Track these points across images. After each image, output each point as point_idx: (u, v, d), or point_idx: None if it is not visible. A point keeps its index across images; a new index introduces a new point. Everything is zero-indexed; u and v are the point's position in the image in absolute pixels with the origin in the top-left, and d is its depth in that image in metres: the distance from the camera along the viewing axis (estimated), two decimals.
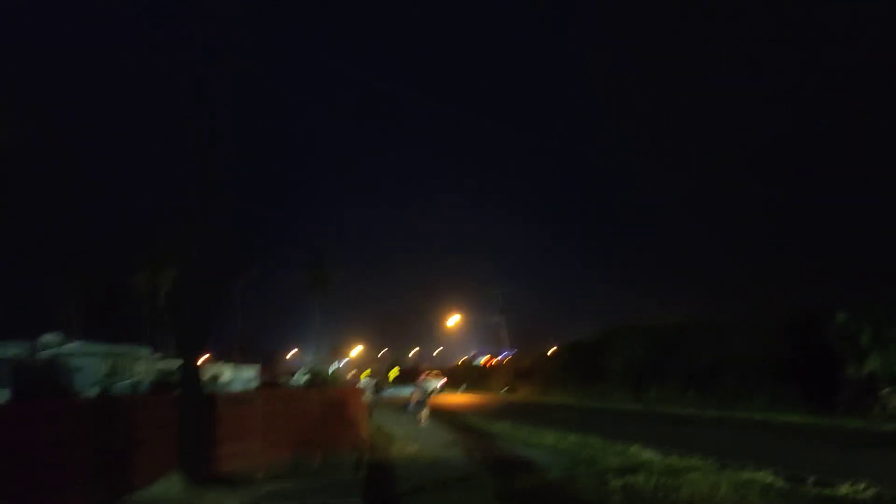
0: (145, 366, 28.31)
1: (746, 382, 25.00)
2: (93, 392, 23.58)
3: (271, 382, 49.56)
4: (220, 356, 55.13)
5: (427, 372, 51.28)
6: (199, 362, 9.03)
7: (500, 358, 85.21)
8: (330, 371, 58.30)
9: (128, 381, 27.14)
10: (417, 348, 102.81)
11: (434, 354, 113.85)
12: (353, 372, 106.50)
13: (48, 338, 26.14)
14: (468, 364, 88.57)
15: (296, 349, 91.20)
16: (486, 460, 10.94)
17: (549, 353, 51.84)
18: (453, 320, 52.04)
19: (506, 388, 49.51)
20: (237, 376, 49.61)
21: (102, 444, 7.53)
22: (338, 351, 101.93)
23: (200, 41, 9.86)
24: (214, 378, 45.93)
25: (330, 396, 10.95)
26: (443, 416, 23.91)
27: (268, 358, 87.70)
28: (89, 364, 24.62)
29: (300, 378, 46.85)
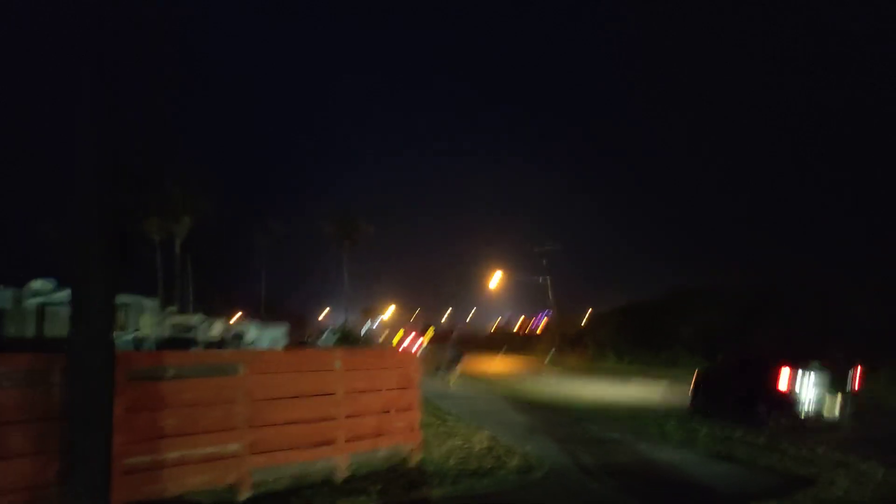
0: (152, 319, 24.79)
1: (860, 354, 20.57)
2: None
3: (299, 342, 46.64)
4: (249, 315, 52.46)
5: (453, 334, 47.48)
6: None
7: (537, 320, 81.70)
8: (363, 332, 55.10)
9: (130, 335, 23.55)
10: (451, 309, 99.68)
11: (468, 319, 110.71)
12: (387, 333, 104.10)
13: (38, 284, 22.68)
14: (502, 328, 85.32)
15: (328, 309, 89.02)
16: (609, 472, 6.90)
17: (600, 315, 47.80)
18: (495, 279, 47.90)
19: (552, 354, 45.64)
20: (263, 335, 46.72)
21: None
22: (370, 311, 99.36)
23: None
24: (239, 336, 43.00)
25: (365, 361, 6.84)
26: (493, 386, 20.04)
27: (299, 318, 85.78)
28: None
29: (330, 338, 43.53)
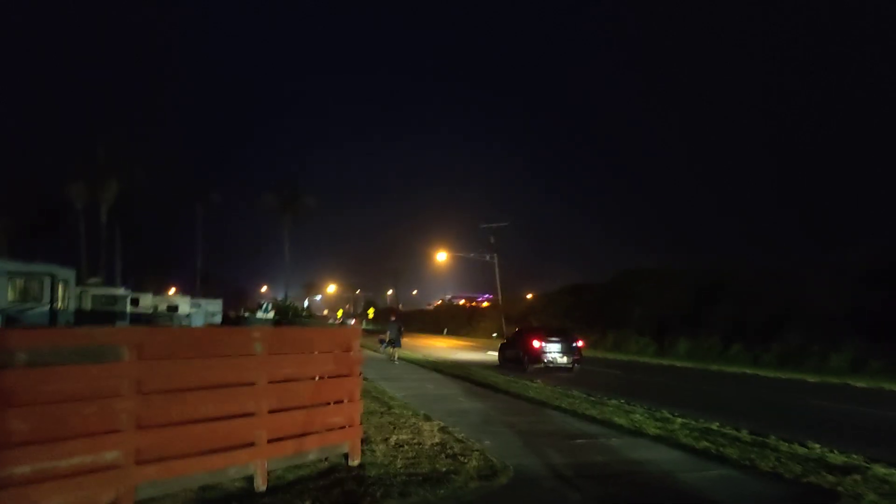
0: (70, 291, 22.65)
1: (818, 339, 20.51)
2: None
3: (234, 318, 44.56)
4: (185, 290, 49.91)
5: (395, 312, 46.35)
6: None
7: (479, 300, 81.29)
8: (303, 307, 53.26)
9: (44, 307, 21.43)
10: (392, 291, 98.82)
11: (412, 294, 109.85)
12: (326, 311, 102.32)
13: None
14: (445, 306, 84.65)
15: (266, 286, 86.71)
16: (587, 474, 5.89)
17: (547, 295, 47.40)
18: (441, 257, 46.93)
19: (496, 334, 45.09)
20: (198, 310, 44.48)
21: None
22: (311, 288, 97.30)
23: None
24: (171, 309, 40.75)
25: (294, 342, 5.60)
26: (439, 366, 19.13)
27: (238, 293, 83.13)
28: None
29: (266, 313, 41.65)
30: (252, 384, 4.94)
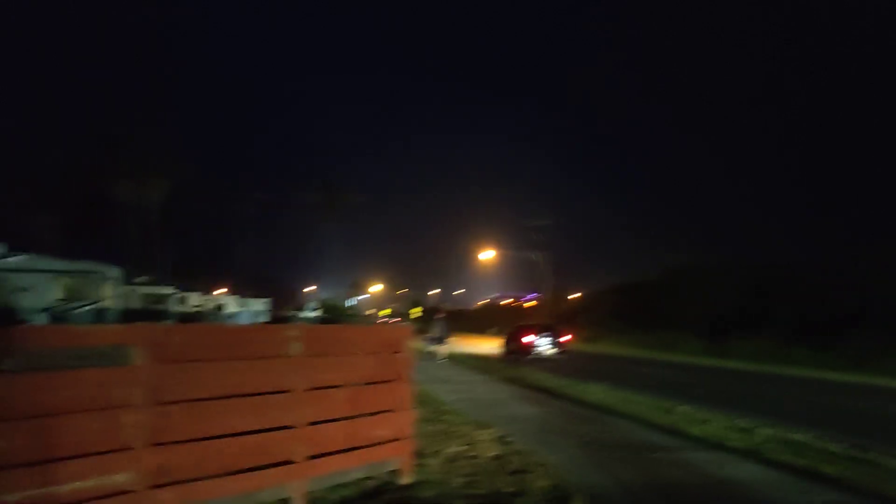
0: (116, 289, 22.67)
1: (889, 341, 18.94)
2: (40, 320, 18.30)
3: (279, 317, 44.57)
4: (233, 289, 50.29)
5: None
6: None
7: (525, 300, 79.94)
8: (350, 304, 53.07)
9: (91, 305, 21.49)
10: (438, 290, 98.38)
11: (458, 294, 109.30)
12: (373, 310, 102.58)
13: None
14: (491, 306, 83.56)
15: (314, 286, 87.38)
16: (672, 499, 5.04)
17: (594, 294, 46.02)
18: (487, 255, 46.03)
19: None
20: (245, 309, 44.63)
21: None
22: (357, 287, 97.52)
23: None
24: (218, 308, 40.91)
25: (336, 342, 4.89)
26: (488, 367, 18.33)
27: (288, 293, 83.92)
28: (37, 283, 18.97)
29: (312, 312, 41.46)
30: (288, 391, 4.25)
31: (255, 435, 4.03)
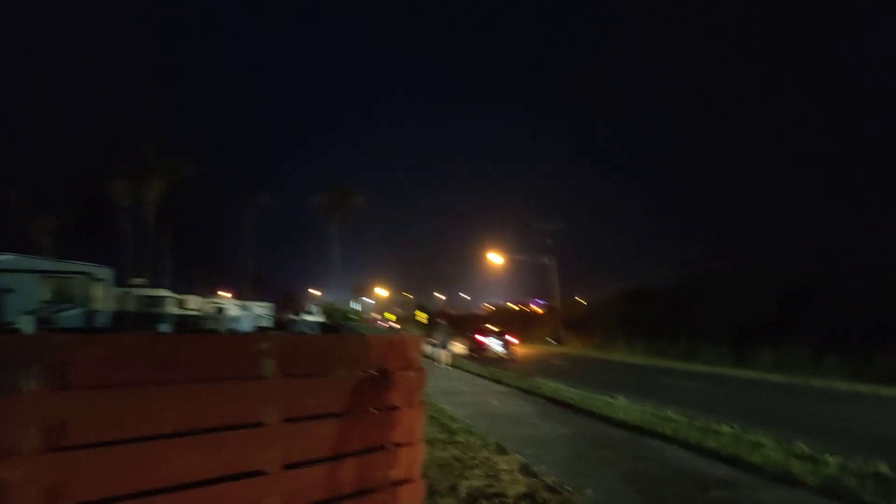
0: (108, 291, 21.58)
1: None
2: (25, 322, 17.25)
3: (281, 322, 43.37)
4: (234, 292, 49.25)
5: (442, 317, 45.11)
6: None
7: (532, 306, 78.74)
8: (353, 308, 51.93)
9: (79, 308, 20.39)
10: (443, 295, 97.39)
11: (463, 297, 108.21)
12: (377, 315, 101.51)
13: None
14: (499, 310, 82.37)
15: (314, 289, 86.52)
16: None
17: (604, 300, 44.85)
18: (496, 259, 44.98)
19: (551, 339, 42.97)
20: (245, 313, 43.52)
21: None
22: (361, 291, 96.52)
23: None
24: (219, 311, 39.83)
25: (322, 357, 3.68)
26: (499, 376, 17.18)
27: (290, 296, 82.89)
28: (23, 284, 17.94)
29: (309, 317, 40.23)
30: (259, 425, 3.12)
31: (213, 486, 2.89)
